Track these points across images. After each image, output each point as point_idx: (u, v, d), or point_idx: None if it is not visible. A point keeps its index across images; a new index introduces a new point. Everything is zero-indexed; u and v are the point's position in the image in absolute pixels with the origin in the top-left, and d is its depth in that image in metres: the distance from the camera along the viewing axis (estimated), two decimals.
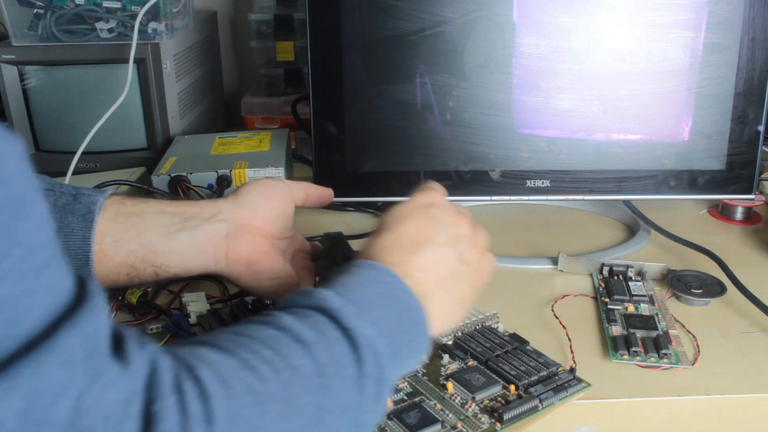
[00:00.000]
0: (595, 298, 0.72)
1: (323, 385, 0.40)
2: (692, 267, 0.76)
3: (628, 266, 0.75)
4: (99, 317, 0.32)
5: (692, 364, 0.60)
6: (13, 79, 1.01)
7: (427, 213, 0.54)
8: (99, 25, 0.99)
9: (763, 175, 0.92)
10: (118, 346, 0.33)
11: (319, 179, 0.83)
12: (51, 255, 0.30)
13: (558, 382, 0.56)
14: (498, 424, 0.52)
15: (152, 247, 0.56)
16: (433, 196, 0.57)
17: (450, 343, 0.61)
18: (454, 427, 0.51)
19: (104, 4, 0.98)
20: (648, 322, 0.66)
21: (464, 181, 0.84)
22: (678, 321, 0.67)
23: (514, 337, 0.62)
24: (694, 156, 0.83)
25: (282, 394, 0.38)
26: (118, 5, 0.99)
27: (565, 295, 0.72)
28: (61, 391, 0.29)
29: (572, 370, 0.57)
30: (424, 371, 0.58)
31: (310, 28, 0.79)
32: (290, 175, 0.98)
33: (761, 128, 0.81)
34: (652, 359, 0.60)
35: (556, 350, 0.62)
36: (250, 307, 0.66)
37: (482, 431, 0.51)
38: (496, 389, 0.55)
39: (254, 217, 0.60)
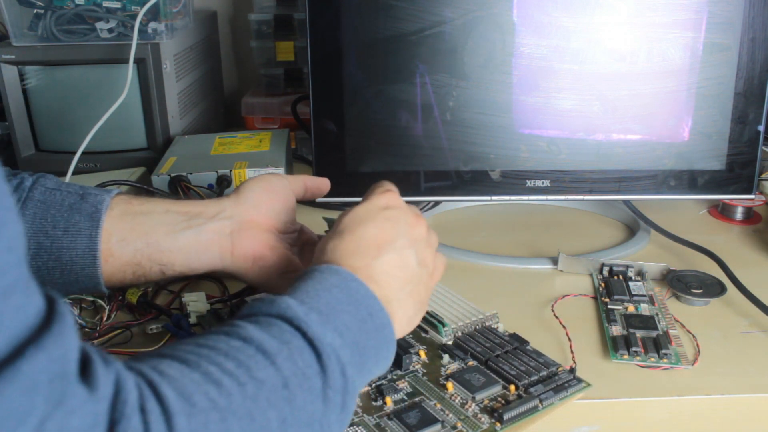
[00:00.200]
0: (595, 298, 0.72)
1: (287, 397, 0.39)
2: (692, 267, 0.76)
3: (628, 266, 0.75)
4: (67, 339, 0.31)
5: (692, 364, 0.60)
6: (13, 79, 1.01)
7: (385, 215, 0.53)
8: (99, 25, 0.99)
9: (763, 175, 0.92)
10: (84, 367, 0.32)
11: None
12: (18, 277, 0.29)
13: (558, 382, 0.56)
14: (498, 424, 0.52)
15: (158, 246, 0.57)
16: (389, 197, 0.56)
17: (450, 343, 0.61)
18: (454, 427, 0.51)
19: (104, 4, 0.98)
20: (648, 322, 0.66)
21: (464, 181, 0.84)
22: (678, 321, 0.67)
23: (514, 337, 0.62)
24: (694, 156, 0.83)
25: (246, 409, 0.37)
26: (118, 5, 0.99)
27: (565, 295, 0.72)
28: (22, 419, 0.28)
29: (572, 370, 0.57)
30: (424, 371, 0.58)
31: (310, 28, 0.79)
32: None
33: (761, 128, 0.81)
34: (652, 359, 0.60)
35: (556, 350, 0.62)
36: None
37: (482, 431, 0.51)
38: (496, 389, 0.55)
39: (257, 212, 0.60)
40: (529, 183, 0.84)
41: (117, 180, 0.88)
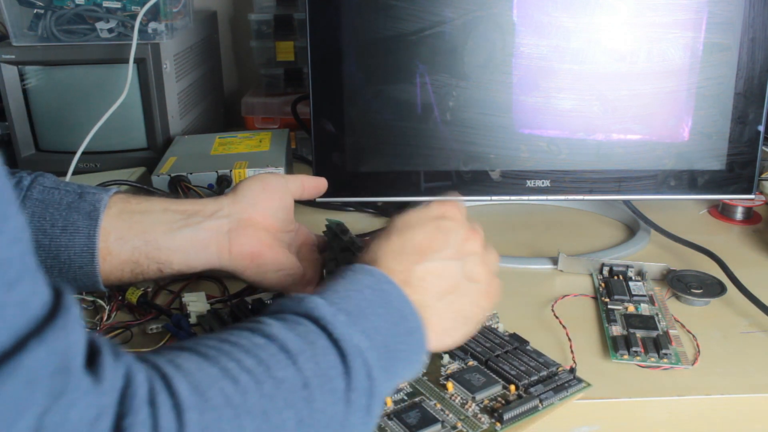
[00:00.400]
0: (595, 298, 0.72)
1: (306, 397, 0.39)
2: (692, 267, 0.76)
3: (628, 266, 0.75)
4: (72, 332, 0.31)
5: (692, 364, 0.60)
6: (13, 79, 1.01)
7: (438, 224, 0.53)
8: (99, 25, 0.99)
9: (763, 175, 0.92)
10: (92, 359, 0.32)
11: None
12: (23, 269, 0.29)
13: (558, 382, 0.56)
14: (498, 424, 0.52)
15: (156, 244, 0.57)
16: (449, 208, 0.55)
17: None
18: (454, 427, 0.51)
19: (104, 4, 0.98)
20: (648, 322, 0.66)
21: (464, 181, 0.84)
22: (678, 321, 0.67)
23: (514, 337, 0.62)
24: (694, 156, 0.83)
25: (261, 407, 0.37)
26: (118, 5, 0.99)
27: (565, 295, 0.72)
28: (21, 411, 0.28)
29: (572, 370, 0.57)
30: (424, 371, 0.58)
31: (310, 28, 0.79)
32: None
33: (761, 128, 0.81)
34: (652, 359, 0.60)
35: (556, 350, 0.62)
36: (250, 307, 0.66)
37: (482, 431, 0.51)
38: (496, 389, 0.55)
39: (255, 211, 0.60)
40: (529, 183, 0.84)
41: (117, 180, 0.88)
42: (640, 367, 0.60)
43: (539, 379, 0.56)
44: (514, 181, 0.84)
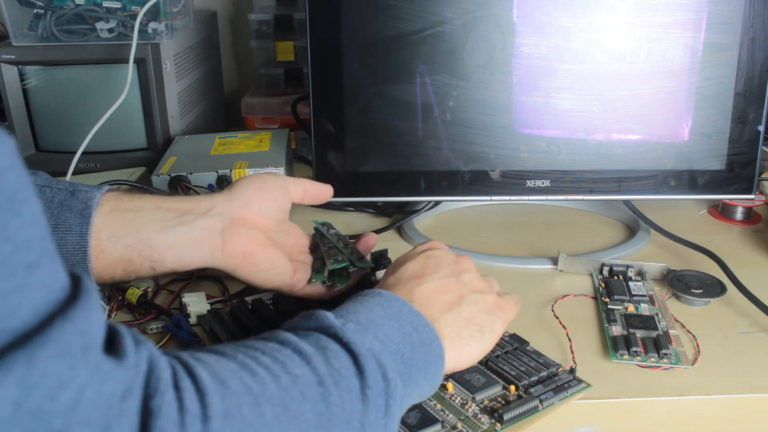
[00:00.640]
0: (595, 298, 0.72)
1: (323, 393, 0.40)
2: (692, 267, 0.76)
3: (628, 266, 0.75)
4: (93, 314, 0.32)
5: (692, 364, 0.60)
6: (13, 79, 1.01)
7: (427, 254, 0.58)
8: (99, 25, 0.99)
9: (763, 175, 0.92)
10: (113, 343, 0.33)
11: (319, 179, 0.83)
12: (43, 252, 0.30)
13: (558, 382, 0.56)
14: (498, 425, 0.52)
15: (149, 242, 0.56)
16: (431, 244, 0.61)
17: None
18: (454, 428, 0.51)
19: (104, 4, 0.98)
20: (648, 322, 0.66)
21: (464, 181, 0.84)
22: (678, 321, 0.67)
23: (514, 337, 0.62)
24: (694, 156, 0.83)
25: (280, 397, 0.38)
26: (118, 5, 0.99)
27: (565, 295, 0.72)
28: (63, 383, 0.29)
29: (572, 371, 0.57)
30: None
31: (310, 28, 0.79)
32: (290, 175, 0.98)
33: (761, 128, 0.81)
34: (652, 359, 0.60)
35: (556, 350, 0.62)
36: (250, 307, 0.66)
37: (482, 431, 0.51)
38: (496, 389, 0.55)
39: (249, 210, 0.60)
40: (529, 183, 0.84)
41: (117, 180, 0.88)
42: (640, 367, 0.60)
43: (539, 379, 0.56)
44: (514, 181, 0.84)
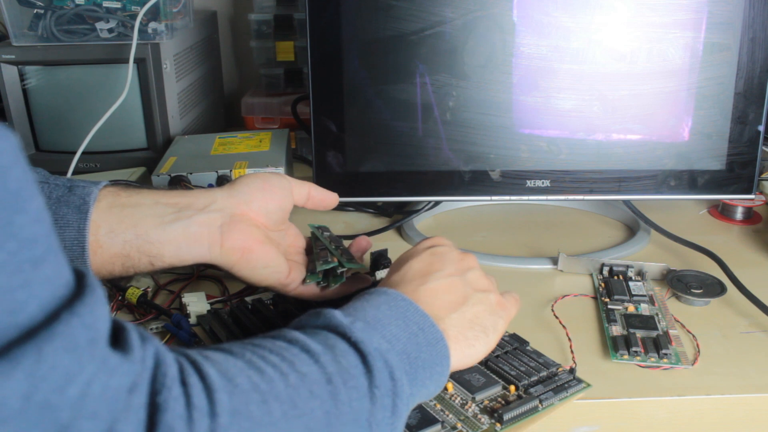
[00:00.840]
0: (595, 298, 0.72)
1: (331, 392, 0.40)
2: (692, 267, 0.76)
3: (628, 266, 0.75)
4: (98, 309, 0.32)
5: (692, 364, 0.60)
6: (13, 79, 1.01)
7: (431, 251, 0.57)
8: (99, 25, 0.99)
9: (763, 175, 0.92)
10: (119, 339, 0.33)
11: (319, 179, 0.83)
12: (48, 248, 0.30)
13: (558, 382, 0.56)
14: (498, 425, 0.52)
15: (147, 237, 0.56)
16: (435, 240, 0.60)
17: None
18: (454, 428, 0.51)
19: (104, 4, 0.98)
20: (648, 322, 0.66)
21: (464, 181, 0.84)
22: (678, 321, 0.67)
23: (514, 337, 0.62)
24: (694, 156, 0.83)
25: (288, 395, 0.38)
26: (118, 5, 0.99)
27: (565, 295, 0.72)
28: (70, 377, 0.29)
29: (572, 371, 0.57)
30: None
31: (310, 28, 0.79)
32: (290, 175, 0.98)
33: (761, 128, 0.81)
34: (652, 359, 0.60)
35: (556, 350, 0.62)
36: (249, 307, 0.66)
37: (482, 431, 0.51)
38: (496, 389, 0.55)
39: (249, 208, 0.60)
40: (529, 183, 0.84)
41: (117, 180, 0.88)
42: (640, 367, 0.60)
43: (539, 379, 0.56)
44: (514, 181, 0.84)
